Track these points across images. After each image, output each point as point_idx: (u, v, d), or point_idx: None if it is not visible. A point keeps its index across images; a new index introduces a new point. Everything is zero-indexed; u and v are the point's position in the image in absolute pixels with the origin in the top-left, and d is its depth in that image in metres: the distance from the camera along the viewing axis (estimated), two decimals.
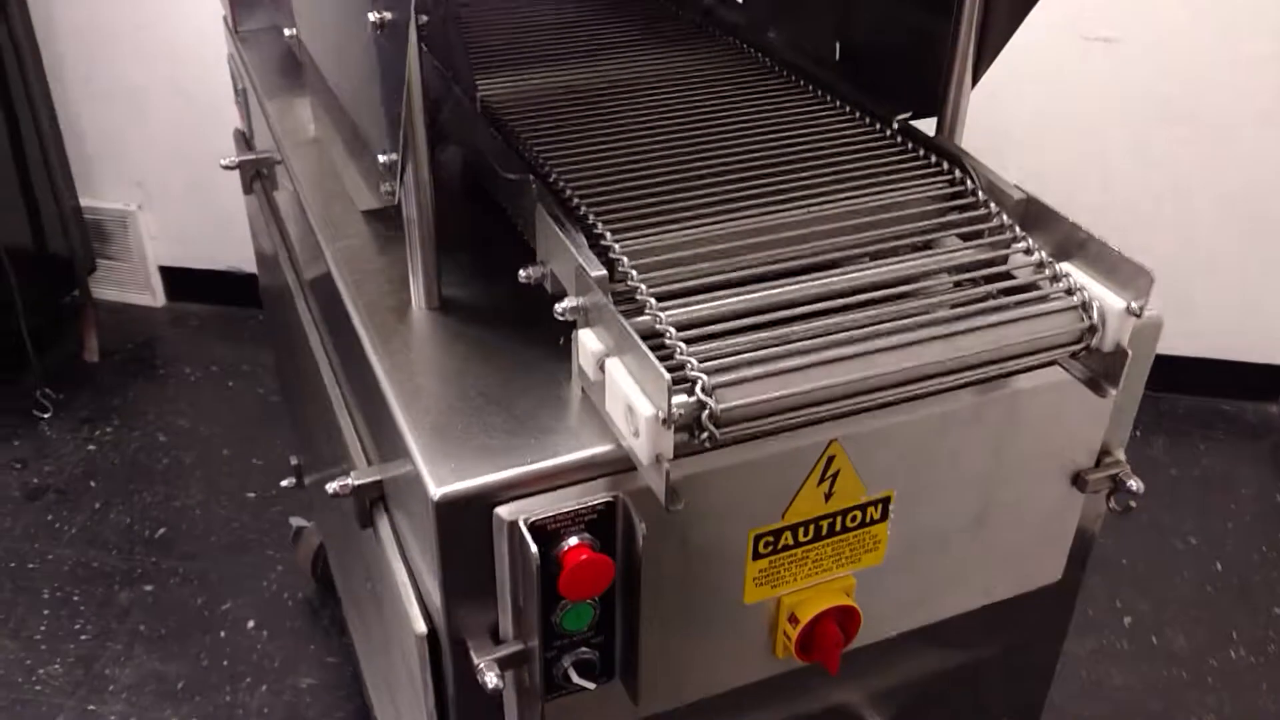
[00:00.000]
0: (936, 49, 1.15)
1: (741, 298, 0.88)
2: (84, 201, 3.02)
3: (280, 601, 2.19)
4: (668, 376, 0.74)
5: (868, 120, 1.16)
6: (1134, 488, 1.11)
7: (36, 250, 2.83)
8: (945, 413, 0.99)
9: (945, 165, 1.05)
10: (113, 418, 2.68)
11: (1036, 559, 1.17)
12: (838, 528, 1.00)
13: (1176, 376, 2.90)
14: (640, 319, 0.85)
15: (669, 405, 0.75)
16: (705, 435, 0.79)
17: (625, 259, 0.90)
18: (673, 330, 0.83)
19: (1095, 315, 0.90)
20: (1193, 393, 2.92)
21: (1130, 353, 0.90)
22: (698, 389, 0.78)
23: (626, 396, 0.79)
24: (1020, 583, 1.18)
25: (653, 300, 0.86)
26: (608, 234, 0.92)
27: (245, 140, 1.76)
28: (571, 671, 0.93)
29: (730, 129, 1.13)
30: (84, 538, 2.35)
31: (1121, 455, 1.13)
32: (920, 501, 1.04)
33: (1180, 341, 2.86)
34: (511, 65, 1.27)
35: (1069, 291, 0.92)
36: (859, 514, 1.01)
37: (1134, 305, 0.89)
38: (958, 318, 0.88)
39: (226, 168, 1.62)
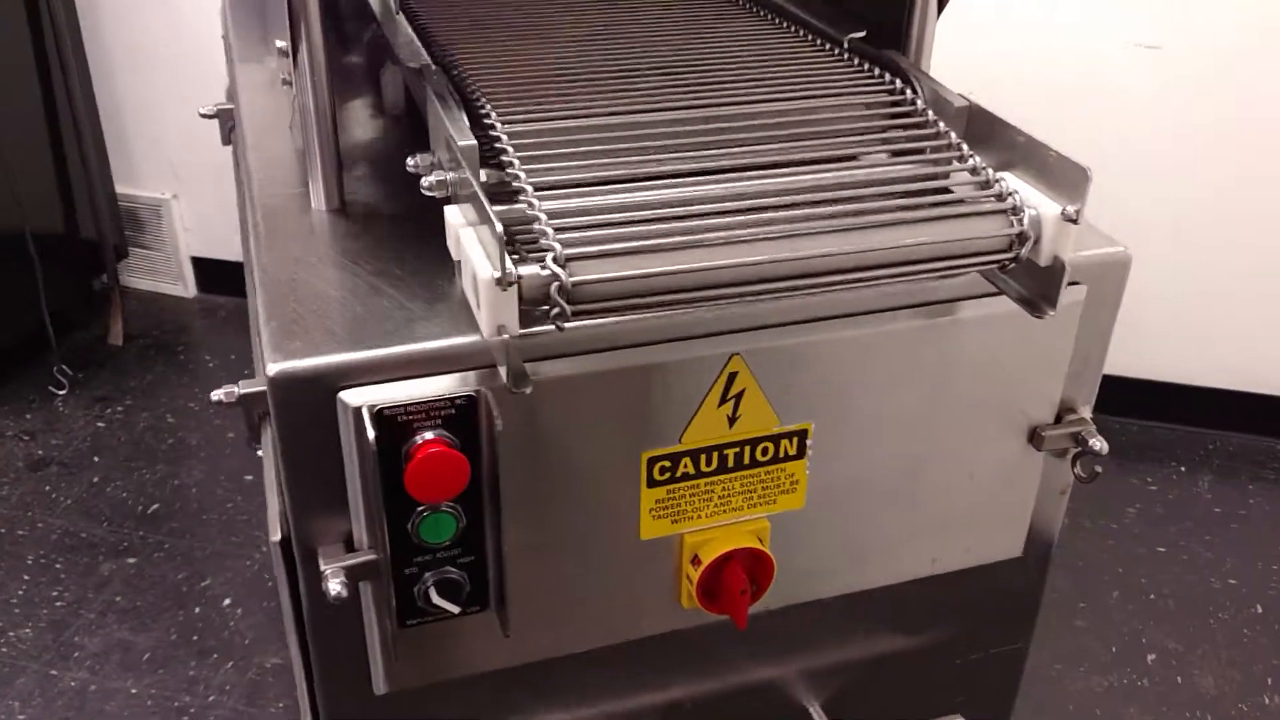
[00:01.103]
0: None
1: (634, 195, 0.80)
2: (121, 188, 3.06)
3: (260, 581, 2.14)
4: (500, 227, 0.67)
5: (814, 39, 1.08)
6: (1097, 448, 1.00)
7: (68, 234, 2.86)
8: (869, 337, 0.90)
9: (886, 76, 0.97)
10: (126, 398, 2.67)
11: (990, 527, 1.06)
12: (746, 460, 0.91)
13: (1229, 412, 2.73)
14: (514, 206, 0.78)
15: (503, 263, 0.68)
16: (556, 311, 0.71)
17: (510, 147, 0.83)
18: (544, 216, 0.75)
19: (1026, 221, 0.80)
20: (1245, 430, 2.74)
21: (1068, 266, 0.80)
22: (549, 259, 0.71)
23: (471, 264, 0.72)
24: (971, 554, 1.06)
25: (530, 188, 0.78)
26: (494, 115, 0.86)
27: (229, 92, 1.74)
28: (432, 591, 0.85)
29: (659, 39, 1.06)
30: (77, 509, 2.33)
31: (1086, 413, 1.02)
32: (846, 440, 0.94)
33: (1235, 375, 2.70)
34: None
35: (999, 197, 0.82)
36: (770, 446, 0.91)
37: (1070, 210, 0.79)
38: (865, 217, 0.79)
39: (204, 116, 1.59)
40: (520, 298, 0.70)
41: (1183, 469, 2.62)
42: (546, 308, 0.71)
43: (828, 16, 1.11)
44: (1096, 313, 0.98)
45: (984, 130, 0.90)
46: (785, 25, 1.14)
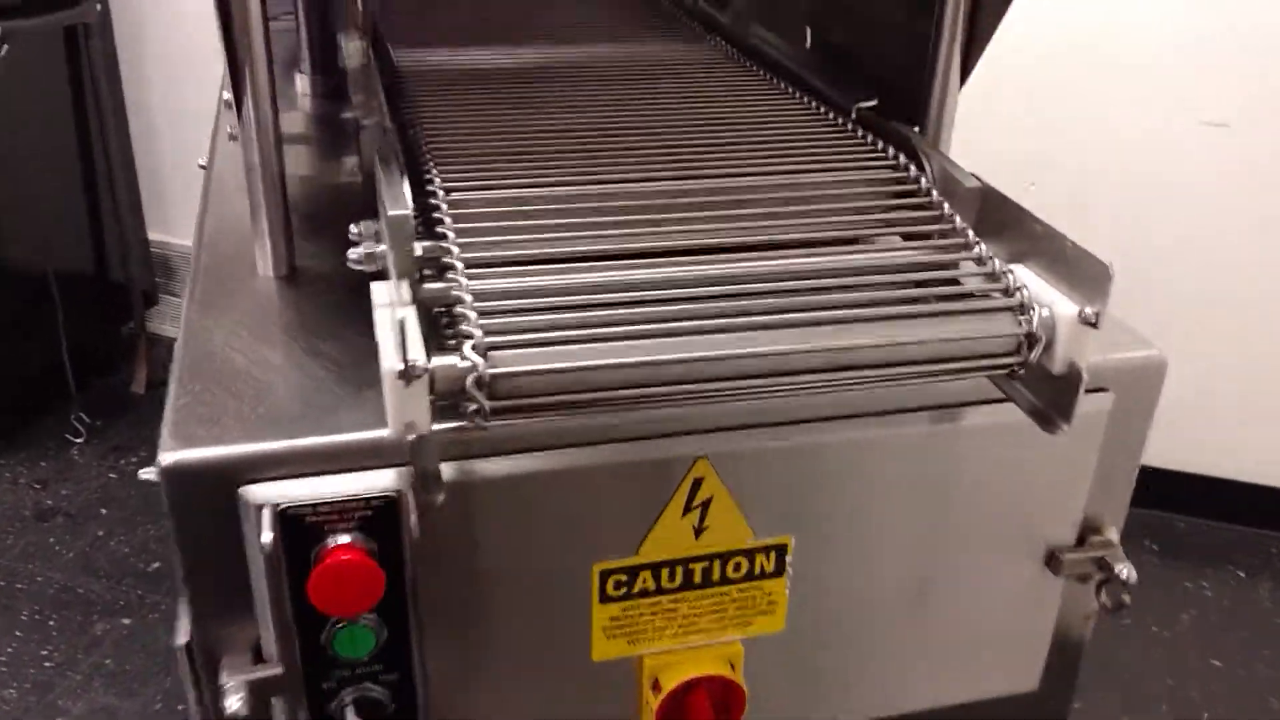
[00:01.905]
0: (913, 41, 0.98)
1: (582, 275, 0.70)
2: (155, 235, 3.04)
3: None
4: (404, 311, 0.58)
5: (818, 106, 0.99)
6: (1124, 576, 0.88)
7: (97, 278, 2.84)
8: (858, 443, 0.79)
9: (889, 151, 0.87)
10: (141, 448, 2.62)
11: (1001, 657, 0.93)
12: (716, 576, 0.81)
13: None
14: (445, 284, 0.69)
15: (404, 353, 0.58)
16: (474, 408, 0.62)
17: (448, 217, 0.74)
18: (469, 296, 0.66)
19: (1036, 321, 0.70)
20: None
21: (1085, 374, 0.69)
22: (468, 347, 0.62)
23: (380, 351, 0.63)
24: (980, 686, 0.94)
25: (461, 264, 0.69)
26: (438, 180, 0.77)
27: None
28: (349, 711, 0.75)
29: (646, 102, 0.98)
30: (78, 563, 2.27)
31: (1113, 535, 0.90)
32: (832, 557, 0.83)
33: None
34: (439, 39, 1.15)
35: (1006, 292, 0.72)
36: (744, 562, 0.81)
37: (1088, 311, 0.69)
38: (849, 310, 0.69)
39: (201, 167, 1.54)
40: (432, 391, 0.61)
41: (1242, 574, 2.44)
42: (465, 404, 0.62)
43: (838, 83, 1.02)
44: (1125, 423, 0.86)
45: (998, 216, 0.79)
46: (788, 89, 1.05)
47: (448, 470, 0.71)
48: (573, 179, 0.80)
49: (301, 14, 1.28)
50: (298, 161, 1.15)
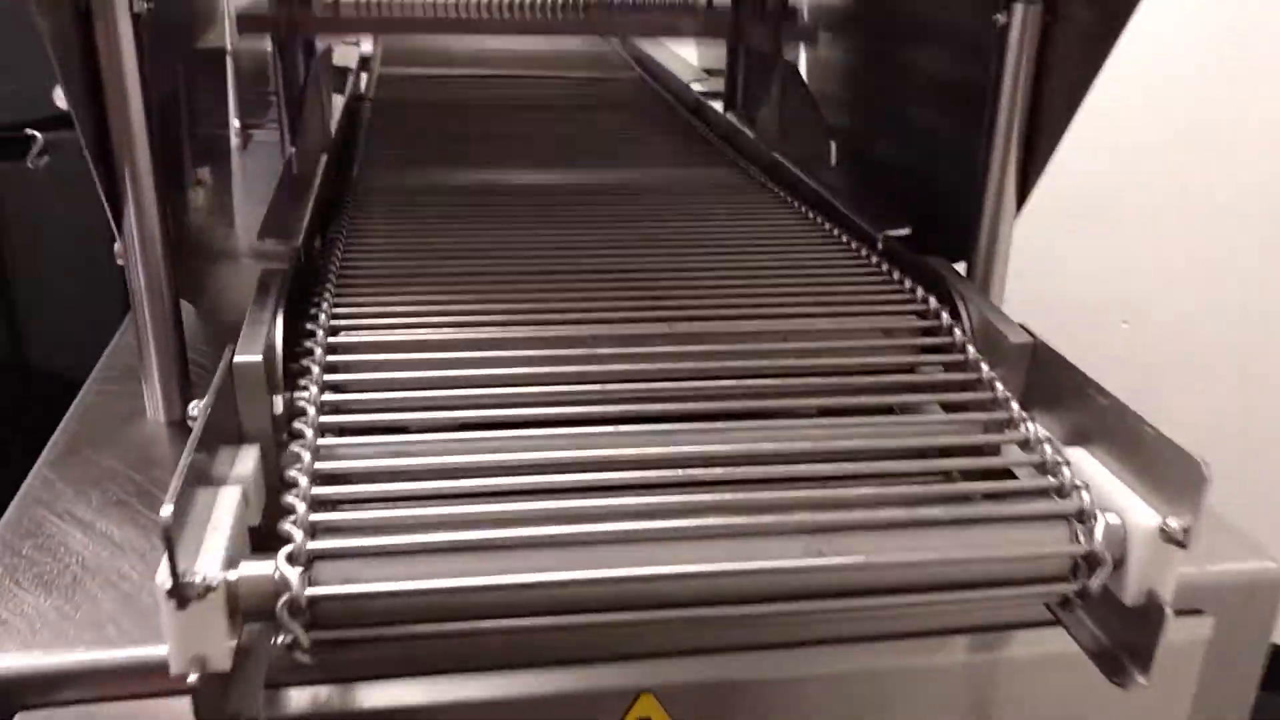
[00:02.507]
0: (957, 160, 0.81)
1: (483, 454, 0.53)
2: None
3: None
4: (165, 517, 0.41)
5: (838, 233, 0.82)
6: None
7: None
8: (852, 676, 0.59)
9: (919, 292, 0.69)
10: None
11: None
12: None
13: None
14: (289, 451, 0.52)
15: (173, 568, 0.41)
16: (289, 638, 0.44)
17: (317, 366, 0.58)
18: (304, 480, 0.49)
19: (1101, 533, 0.50)
20: None
21: (1170, 611, 0.49)
22: (282, 557, 0.44)
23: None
24: None
25: (310, 429, 0.52)
26: (323, 317, 0.61)
27: None
28: None
29: (632, 227, 0.82)
30: None
31: None
32: None
33: None
34: (427, 157, 1.02)
35: (1060, 492, 0.52)
36: None
37: (1174, 524, 0.49)
38: (835, 513, 0.50)
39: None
40: (232, 613, 0.44)
41: None
42: (278, 632, 0.45)
43: (865, 206, 0.85)
44: (1232, 654, 0.65)
45: (1053, 381, 0.60)
46: (805, 212, 0.88)
47: (298, 698, 0.54)
48: (517, 313, 0.64)
49: (285, 120, 1.17)
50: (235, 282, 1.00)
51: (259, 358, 0.54)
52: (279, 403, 0.54)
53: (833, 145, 0.91)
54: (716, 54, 1.40)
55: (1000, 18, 0.76)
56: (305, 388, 0.54)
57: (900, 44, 0.98)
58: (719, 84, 1.35)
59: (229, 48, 1.15)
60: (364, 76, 1.48)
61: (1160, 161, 1.77)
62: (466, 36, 1.73)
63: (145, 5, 0.66)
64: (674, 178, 1.00)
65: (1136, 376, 1.36)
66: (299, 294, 0.65)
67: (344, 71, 1.35)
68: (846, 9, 1.10)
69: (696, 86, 1.38)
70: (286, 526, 0.45)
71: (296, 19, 1.17)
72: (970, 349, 0.63)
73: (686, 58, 1.62)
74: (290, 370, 0.57)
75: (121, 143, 0.67)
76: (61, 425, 0.74)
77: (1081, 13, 0.74)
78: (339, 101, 1.20)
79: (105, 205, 0.68)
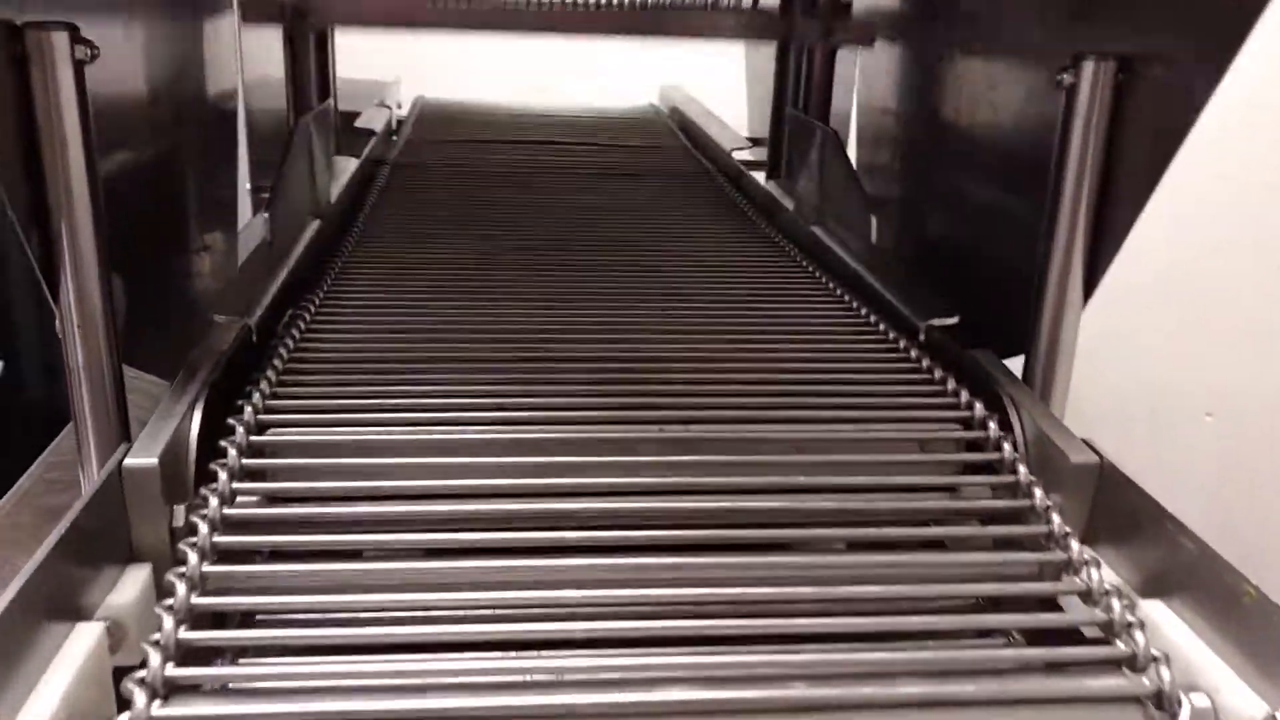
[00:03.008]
0: (1014, 238, 0.71)
1: (439, 592, 0.44)
2: None
3: None
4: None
5: (875, 321, 0.72)
6: None
7: None
8: None
9: (963, 395, 0.58)
10: None
11: None
12: None
13: None
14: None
15: None
16: None
17: (224, 472, 0.49)
18: (167, 622, 0.39)
19: None
20: None
21: None
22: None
23: None
24: None
25: (192, 555, 0.43)
26: (249, 409, 0.52)
27: None
28: None
29: (638, 304, 0.72)
30: None
31: None
32: None
33: None
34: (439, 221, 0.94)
35: (1133, 663, 0.41)
36: None
37: None
38: (841, 686, 0.40)
39: None
40: None
41: None
42: None
43: (908, 290, 0.75)
44: None
45: (1123, 513, 0.49)
46: (840, 295, 0.78)
47: None
48: (491, 409, 0.54)
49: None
50: None
51: (154, 460, 0.45)
52: (179, 514, 0.46)
53: (874, 220, 0.81)
54: (765, 120, 1.32)
55: (1066, 77, 0.66)
56: (205, 500, 0.45)
57: (953, 105, 0.89)
58: (764, 152, 1.26)
59: (240, 106, 1.09)
60: (391, 139, 1.42)
61: (1247, 234, 1.62)
62: (508, 101, 1.67)
63: (88, 52, 0.59)
64: (703, 253, 0.91)
65: (1222, 477, 1.22)
66: (238, 381, 0.56)
67: (369, 134, 1.29)
68: (892, 64, 1.01)
69: (740, 154, 1.29)
70: (129, 684, 0.36)
71: (307, 5, 1.09)
72: (1022, 469, 0.52)
73: (737, 126, 1.54)
74: (205, 473, 0.48)
75: (59, 206, 0.60)
76: None
77: (1163, 70, 0.64)
78: (352, 165, 1.13)
79: (39, 275, 0.61)
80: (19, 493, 0.69)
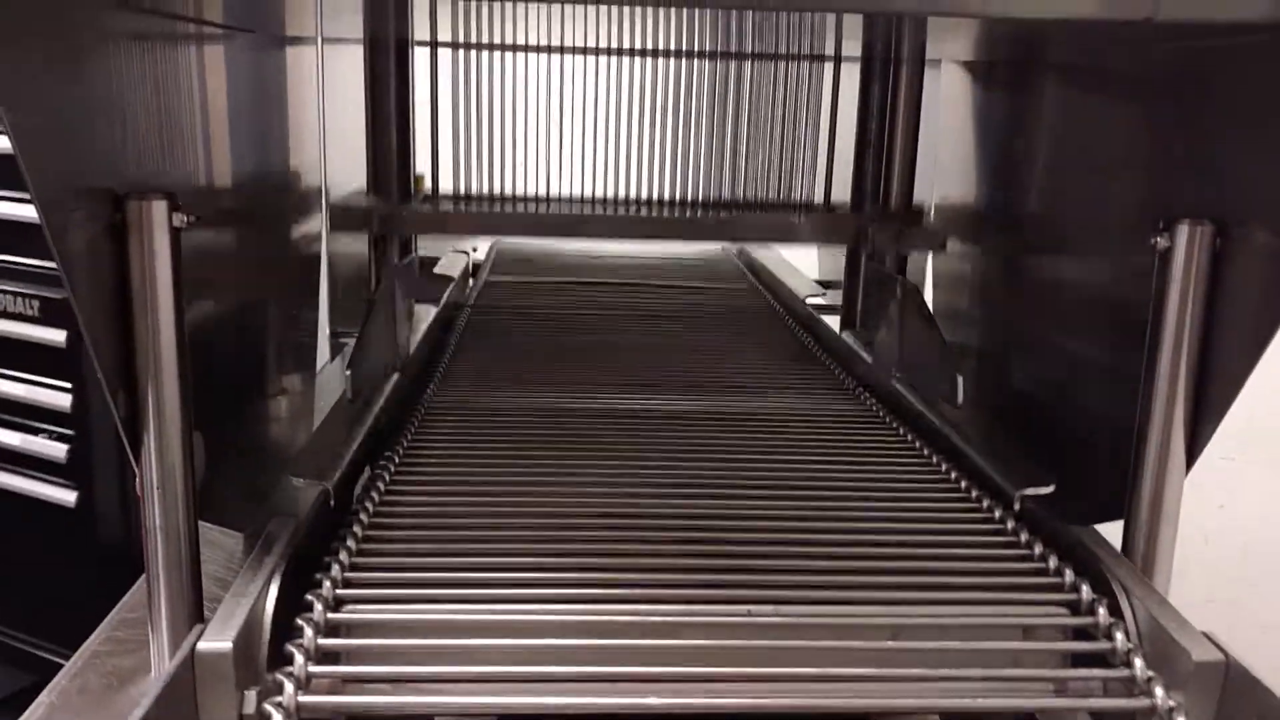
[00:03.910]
0: (1111, 402, 0.69)
1: None
2: None
3: None
4: None
5: (966, 486, 0.69)
6: None
7: None
8: None
9: (1067, 575, 0.55)
10: None
11: None
12: None
13: None
14: None
15: None
16: None
17: (300, 654, 0.47)
18: None
19: None
20: None
21: None
22: None
23: None
24: None
25: None
26: (327, 586, 0.51)
27: None
28: None
29: (724, 473, 0.70)
30: None
31: None
32: None
33: None
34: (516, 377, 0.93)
35: None
36: None
37: None
38: None
39: None
40: None
41: None
42: None
43: (998, 455, 0.72)
44: None
45: (1256, 712, 0.46)
46: (929, 456, 0.75)
47: None
48: (572, 585, 0.53)
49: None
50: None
51: (228, 645, 0.44)
52: (250, 700, 0.44)
53: (959, 379, 0.79)
54: (834, 264, 1.32)
55: (1161, 240, 0.64)
56: (280, 685, 0.44)
57: (1043, 259, 0.87)
58: (837, 296, 1.26)
59: (324, 253, 1.12)
60: (469, 284, 1.44)
61: None
62: (581, 244, 1.70)
63: (185, 219, 0.60)
64: (782, 404, 0.90)
65: None
66: (316, 548, 0.55)
67: (447, 280, 1.31)
68: (979, 216, 1.00)
69: (811, 300, 1.28)
70: None
71: (393, 216, 1.12)
72: (1138, 662, 0.48)
73: (806, 267, 1.54)
74: (280, 654, 0.47)
75: (146, 368, 0.60)
76: (52, 683, 0.65)
77: (1263, 233, 0.62)
78: (431, 312, 1.15)
79: (123, 434, 0.61)
80: (87, 652, 0.68)
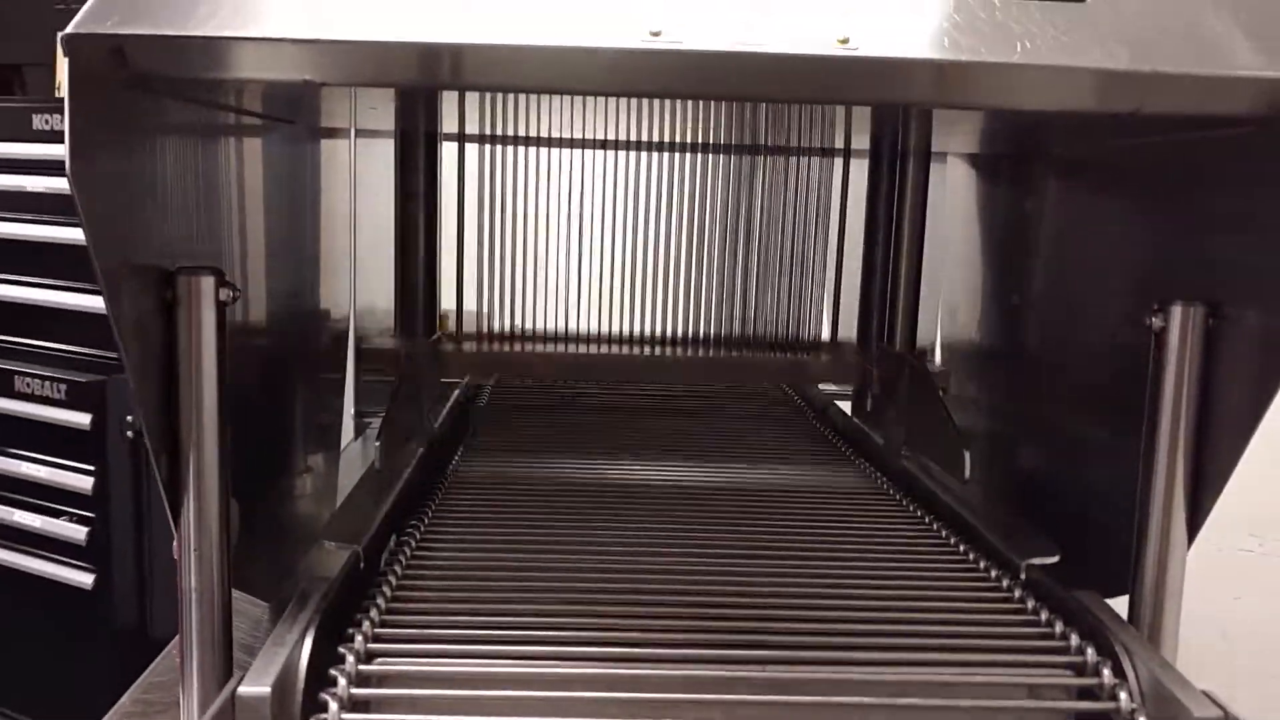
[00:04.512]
0: (1113, 473, 0.71)
1: None
2: None
3: None
4: None
5: (974, 558, 0.71)
6: None
7: None
8: None
9: (1073, 639, 0.57)
10: None
11: None
12: None
13: None
14: None
15: None
16: None
17: (334, 702, 0.49)
18: None
19: None
20: None
21: None
22: None
23: None
24: None
25: None
26: (360, 639, 0.53)
27: None
28: None
29: (738, 544, 0.73)
30: None
31: None
32: None
33: None
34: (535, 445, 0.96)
35: None
36: None
37: None
38: None
39: None
40: None
41: None
42: None
43: (1004, 527, 0.74)
44: None
45: None
46: (938, 530, 0.77)
47: None
48: (591, 643, 0.55)
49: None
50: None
51: (266, 690, 0.46)
52: None
53: (966, 455, 0.81)
54: None
55: (1155, 320, 0.67)
56: None
57: (1043, 342, 0.90)
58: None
59: (351, 333, 1.15)
60: None
61: None
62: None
63: (230, 294, 0.64)
64: (795, 480, 0.92)
65: None
66: (348, 606, 0.57)
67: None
68: (981, 308, 1.04)
69: (824, 385, 1.32)
70: None
71: (417, 362, 1.12)
72: None
73: None
74: (314, 704, 0.49)
75: (189, 436, 0.63)
76: None
77: (1253, 313, 0.65)
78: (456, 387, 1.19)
79: (165, 499, 0.64)
80: (119, 713, 0.70)
